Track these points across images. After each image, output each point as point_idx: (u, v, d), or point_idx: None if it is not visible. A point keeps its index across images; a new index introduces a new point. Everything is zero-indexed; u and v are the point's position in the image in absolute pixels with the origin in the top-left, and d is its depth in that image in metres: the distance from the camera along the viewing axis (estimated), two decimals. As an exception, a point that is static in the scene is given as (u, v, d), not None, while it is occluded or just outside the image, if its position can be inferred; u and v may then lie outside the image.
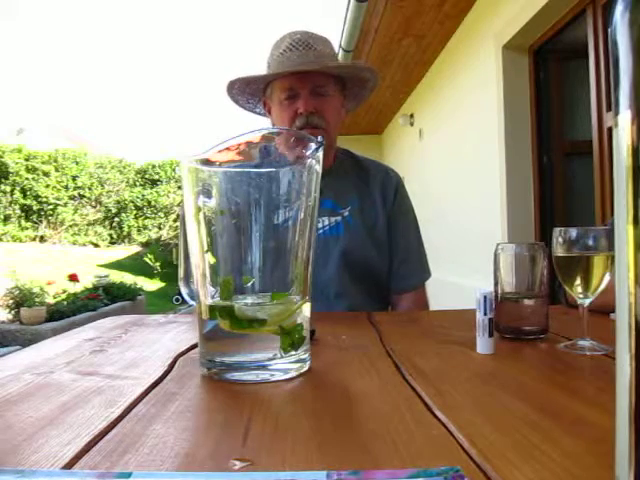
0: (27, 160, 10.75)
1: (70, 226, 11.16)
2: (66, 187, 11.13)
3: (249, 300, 0.59)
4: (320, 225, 1.23)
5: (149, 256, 10.34)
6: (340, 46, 3.97)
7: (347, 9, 3.50)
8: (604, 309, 0.82)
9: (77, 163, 11.33)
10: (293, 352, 0.57)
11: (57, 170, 11.06)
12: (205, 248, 0.59)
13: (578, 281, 0.69)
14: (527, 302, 0.75)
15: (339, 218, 1.25)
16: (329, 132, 1.22)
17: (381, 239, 1.28)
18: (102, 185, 11.54)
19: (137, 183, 12.00)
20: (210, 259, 0.59)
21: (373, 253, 1.26)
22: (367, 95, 1.34)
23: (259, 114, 1.36)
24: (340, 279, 1.22)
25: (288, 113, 1.19)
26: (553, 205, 3.00)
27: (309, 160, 0.59)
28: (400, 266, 1.30)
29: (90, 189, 11.42)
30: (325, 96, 1.20)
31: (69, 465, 0.35)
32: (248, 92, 1.29)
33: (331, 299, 1.21)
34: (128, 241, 11.74)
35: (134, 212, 11.81)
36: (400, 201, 1.32)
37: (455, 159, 4.14)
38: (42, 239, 10.77)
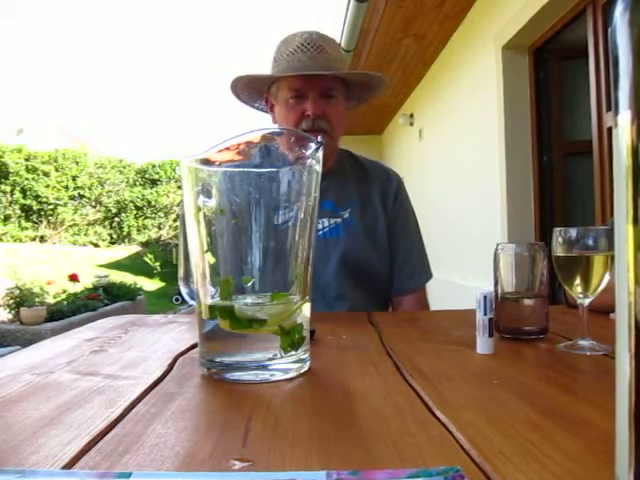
0: (27, 160, 10.76)
1: (70, 226, 11.17)
2: (66, 187, 11.14)
3: (249, 300, 0.59)
4: (320, 226, 1.23)
5: (149, 256, 10.34)
6: (340, 46, 3.97)
7: (347, 9, 3.50)
8: (604, 309, 0.82)
9: (77, 163, 11.34)
10: (293, 352, 0.57)
11: (57, 170, 11.07)
12: (205, 248, 0.59)
13: (578, 281, 0.69)
14: (527, 302, 0.75)
15: (339, 220, 1.24)
16: (333, 136, 1.21)
17: (381, 241, 1.27)
18: (102, 185, 11.55)
19: (137, 183, 12.01)
20: (210, 259, 0.59)
21: (373, 255, 1.26)
22: (371, 98, 1.33)
23: (258, 109, 1.35)
24: (340, 281, 1.21)
25: (295, 114, 1.18)
26: (553, 205, 3.00)
27: (309, 160, 0.59)
28: (401, 268, 1.29)
29: (90, 189, 11.42)
30: (332, 99, 1.19)
31: (69, 465, 0.35)
32: (251, 88, 1.28)
33: (331, 301, 1.20)
34: (128, 241, 11.74)
35: (134, 212, 11.82)
36: (401, 203, 1.32)
37: (455, 159, 4.14)
38: (42, 239, 10.77)
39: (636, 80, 0.22)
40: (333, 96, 1.19)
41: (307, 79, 1.16)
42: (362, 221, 1.26)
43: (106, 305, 5.92)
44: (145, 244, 11.62)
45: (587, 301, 0.69)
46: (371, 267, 1.26)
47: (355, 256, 1.23)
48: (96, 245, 11.33)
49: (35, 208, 10.80)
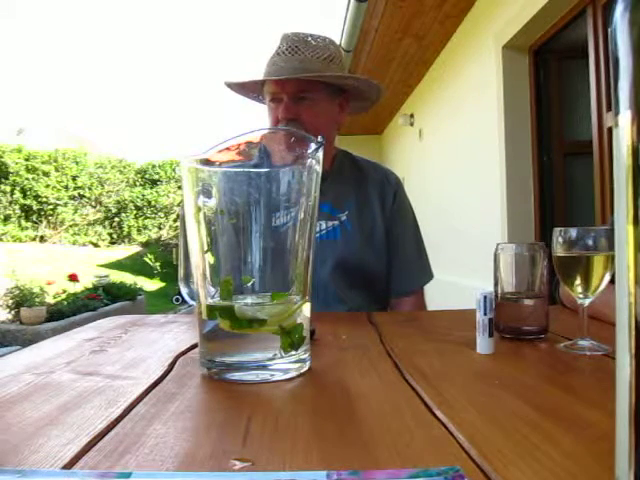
0: (27, 160, 10.75)
1: (70, 226, 11.17)
2: (66, 187, 11.14)
3: (249, 300, 0.59)
4: (317, 229, 1.22)
5: (149, 256, 10.35)
6: (340, 46, 3.97)
7: (347, 9, 3.50)
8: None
9: (77, 163, 11.34)
10: (293, 352, 0.57)
11: (57, 170, 11.07)
12: (205, 248, 0.59)
13: (578, 281, 0.69)
14: (527, 302, 0.75)
15: (336, 222, 1.24)
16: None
17: (379, 243, 1.27)
18: (102, 185, 11.54)
19: (137, 183, 12.01)
20: (210, 259, 0.59)
21: (371, 257, 1.25)
22: (371, 95, 1.29)
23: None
24: (337, 283, 1.20)
25: (272, 118, 1.21)
26: (553, 205, 3.00)
27: (309, 160, 0.59)
28: (399, 270, 1.29)
29: (90, 189, 11.42)
30: (307, 101, 1.18)
31: (69, 465, 0.35)
32: (247, 90, 1.30)
33: (329, 303, 1.20)
34: (128, 241, 11.74)
35: (134, 212, 11.82)
36: (399, 205, 1.31)
37: (455, 159, 4.14)
38: (42, 239, 10.77)
39: (636, 80, 0.22)
40: (307, 98, 1.18)
41: (278, 83, 1.18)
42: (359, 223, 1.25)
43: (106, 305, 5.92)
44: (145, 244, 11.62)
45: (587, 301, 0.69)
46: (368, 269, 1.25)
47: (351, 259, 1.22)
48: (96, 245, 11.33)
49: (35, 208, 10.80)
